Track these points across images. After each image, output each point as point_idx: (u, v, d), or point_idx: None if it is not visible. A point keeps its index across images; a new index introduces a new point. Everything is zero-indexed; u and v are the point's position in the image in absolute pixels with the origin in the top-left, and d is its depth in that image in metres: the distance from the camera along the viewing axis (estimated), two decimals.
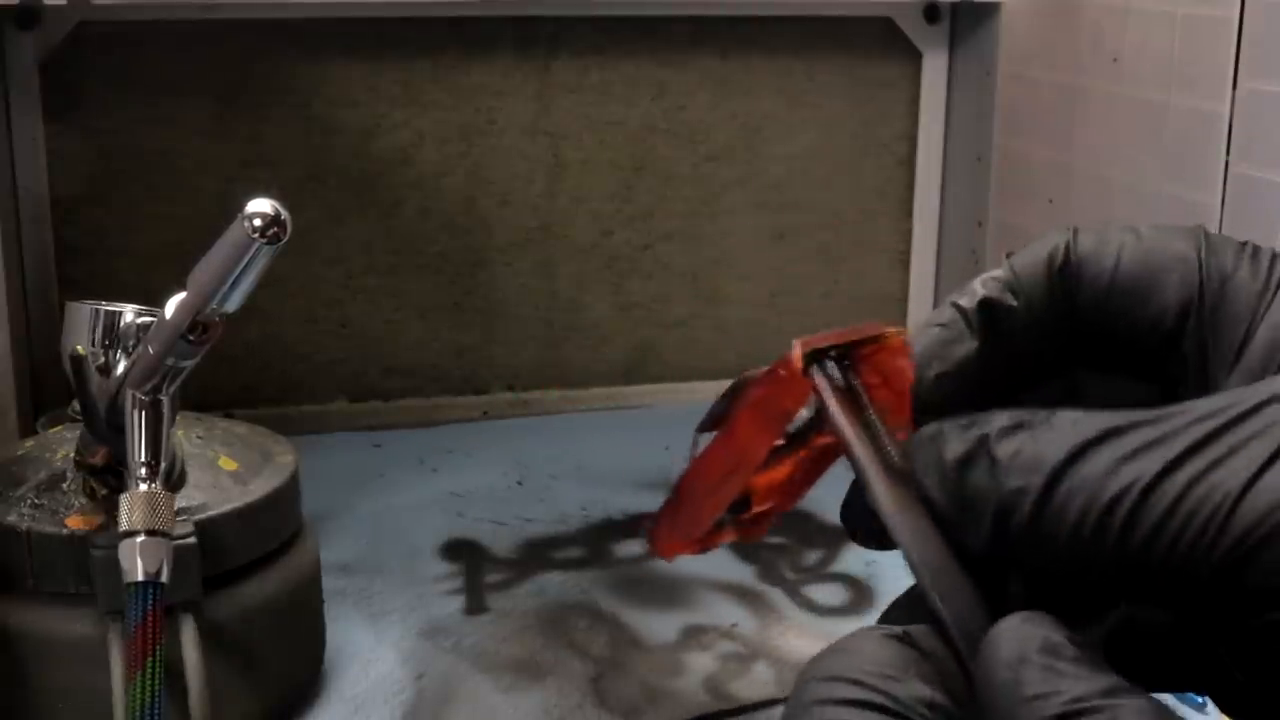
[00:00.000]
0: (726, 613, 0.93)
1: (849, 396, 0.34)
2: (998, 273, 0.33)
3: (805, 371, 0.35)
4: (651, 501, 1.10)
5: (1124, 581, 0.27)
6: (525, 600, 0.94)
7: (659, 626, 0.91)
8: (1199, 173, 0.99)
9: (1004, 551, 0.28)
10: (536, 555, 1.01)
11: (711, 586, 0.97)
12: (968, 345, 0.32)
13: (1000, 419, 0.29)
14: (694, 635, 0.90)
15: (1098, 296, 0.32)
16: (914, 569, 0.31)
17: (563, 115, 1.26)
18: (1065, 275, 0.32)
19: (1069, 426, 0.28)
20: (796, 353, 0.35)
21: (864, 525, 0.32)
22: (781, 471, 0.35)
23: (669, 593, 0.96)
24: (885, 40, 1.31)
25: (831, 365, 0.35)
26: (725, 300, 1.35)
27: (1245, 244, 0.32)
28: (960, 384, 0.32)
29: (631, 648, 0.89)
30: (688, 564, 1.00)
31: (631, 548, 1.03)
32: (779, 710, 0.82)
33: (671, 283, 1.33)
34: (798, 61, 1.30)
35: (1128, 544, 0.26)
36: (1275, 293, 0.30)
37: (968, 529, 0.28)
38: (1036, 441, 0.28)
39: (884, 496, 0.32)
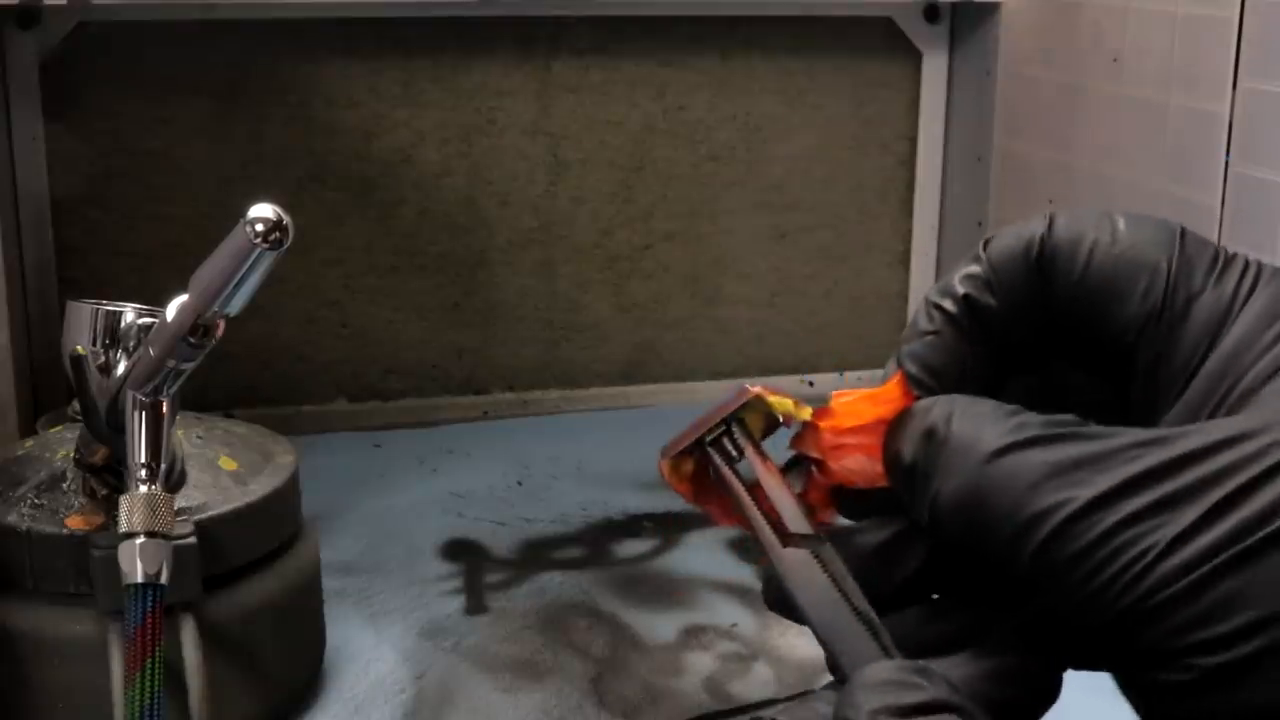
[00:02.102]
0: (726, 613, 0.93)
1: (754, 465, 0.37)
2: (975, 269, 0.33)
3: (675, 470, 0.37)
4: (651, 501, 1.10)
5: (1030, 588, 0.28)
6: (525, 600, 0.94)
7: (659, 626, 0.91)
8: (1199, 173, 0.99)
9: (935, 533, 0.30)
10: (536, 555, 1.01)
11: (711, 586, 0.97)
12: (958, 348, 0.33)
13: (968, 405, 0.30)
14: (694, 635, 0.90)
15: (1069, 292, 0.32)
16: (810, 624, 0.33)
17: (563, 115, 1.26)
18: (1041, 267, 0.32)
19: (1015, 420, 0.28)
20: (662, 463, 0.38)
21: (773, 594, 0.34)
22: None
23: (669, 593, 0.96)
24: (885, 40, 1.31)
25: (726, 441, 0.37)
26: (725, 300, 1.35)
27: (1218, 254, 0.31)
28: (941, 382, 0.33)
29: (631, 648, 0.89)
30: (688, 564, 1.00)
31: (632, 547, 1.03)
32: (779, 710, 0.82)
33: (671, 283, 1.33)
34: (798, 61, 1.30)
35: (1043, 560, 0.27)
36: (1231, 323, 0.30)
37: (921, 499, 0.30)
38: (981, 429, 0.29)
39: (779, 558, 0.34)
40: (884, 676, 0.29)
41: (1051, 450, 0.28)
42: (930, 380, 0.32)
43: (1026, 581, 0.28)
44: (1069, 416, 0.29)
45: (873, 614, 0.33)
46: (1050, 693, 0.31)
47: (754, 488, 0.36)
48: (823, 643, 0.33)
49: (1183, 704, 0.26)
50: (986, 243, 0.33)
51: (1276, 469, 0.26)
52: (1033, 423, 0.29)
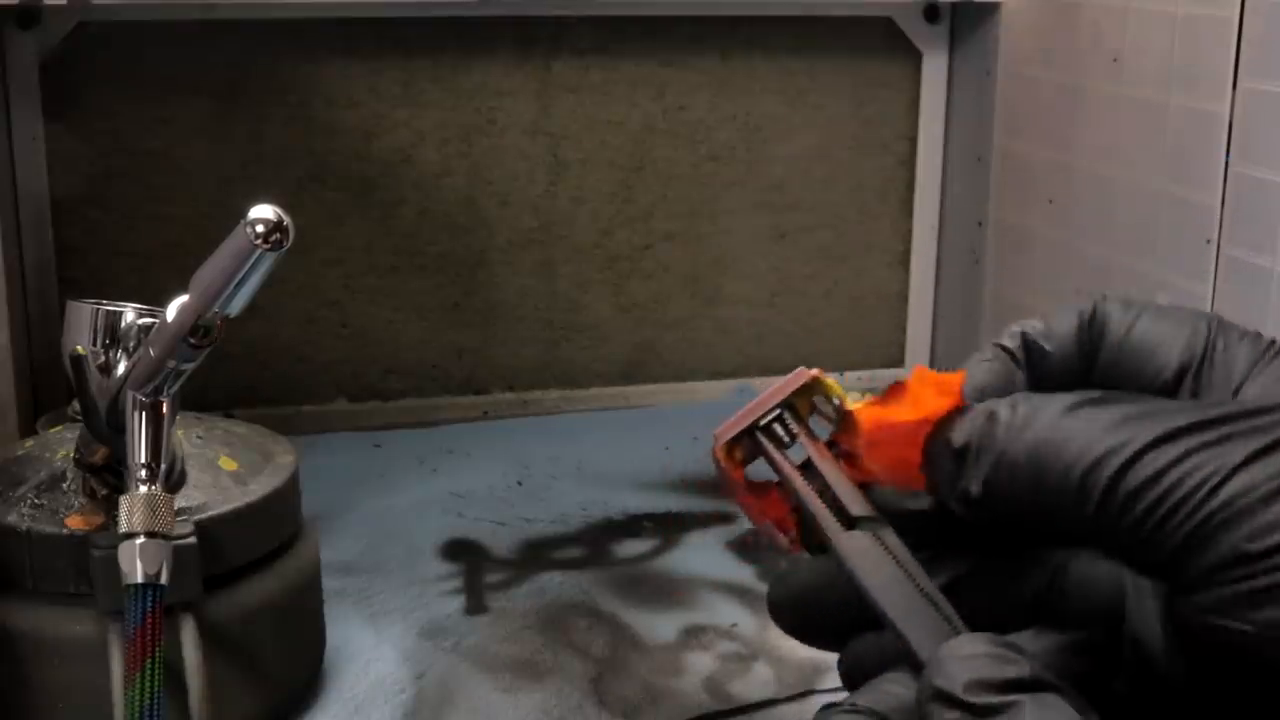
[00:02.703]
0: (726, 613, 0.93)
1: (809, 450, 0.36)
2: (1035, 322, 0.35)
3: (730, 455, 0.37)
4: (651, 501, 1.10)
5: (1089, 538, 0.30)
6: (525, 600, 0.94)
7: (659, 626, 0.91)
8: (1199, 173, 0.99)
9: (991, 500, 0.31)
10: (536, 555, 1.01)
11: (711, 586, 0.97)
12: (1014, 376, 0.34)
13: (1019, 395, 0.32)
14: (694, 635, 0.90)
15: (1114, 350, 0.34)
16: (875, 604, 0.33)
17: (563, 115, 1.26)
18: (1092, 330, 0.34)
19: (1072, 396, 0.30)
20: (716, 448, 0.37)
21: (782, 601, 0.35)
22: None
23: (669, 593, 0.96)
24: (885, 40, 1.31)
25: (777, 426, 0.37)
26: (725, 300, 1.35)
27: (1250, 332, 0.34)
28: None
29: (631, 648, 0.89)
30: (688, 564, 1.00)
31: (632, 547, 1.03)
32: (779, 710, 0.82)
33: (671, 283, 1.33)
34: (798, 61, 1.30)
35: (1108, 501, 0.28)
36: (1267, 363, 0.32)
37: (978, 470, 0.31)
38: (1047, 399, 0.31)
39: (841, 542, 0.34)
40: (978, 650, 0.29)
41: (1115, 408, 0.30)
42: (981, 398, 0.34)
43: (1094, 521, 0.29)
44: (1122, 392, 0.31)
45: (939, 594, 0.32)
46: (1118, 662, 0.32)
47: (806, 472, 0.36)
48: (891, 625, 0.32)
49: (1236, 620, 0.27)
50: (1042, 316, 0.36)
51: None
52: (1092, 393, 0.30)
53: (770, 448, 0.36)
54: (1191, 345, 0.33)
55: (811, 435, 0.37)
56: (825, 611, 0.36)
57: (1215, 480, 0.27)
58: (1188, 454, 0.28)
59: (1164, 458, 0.28)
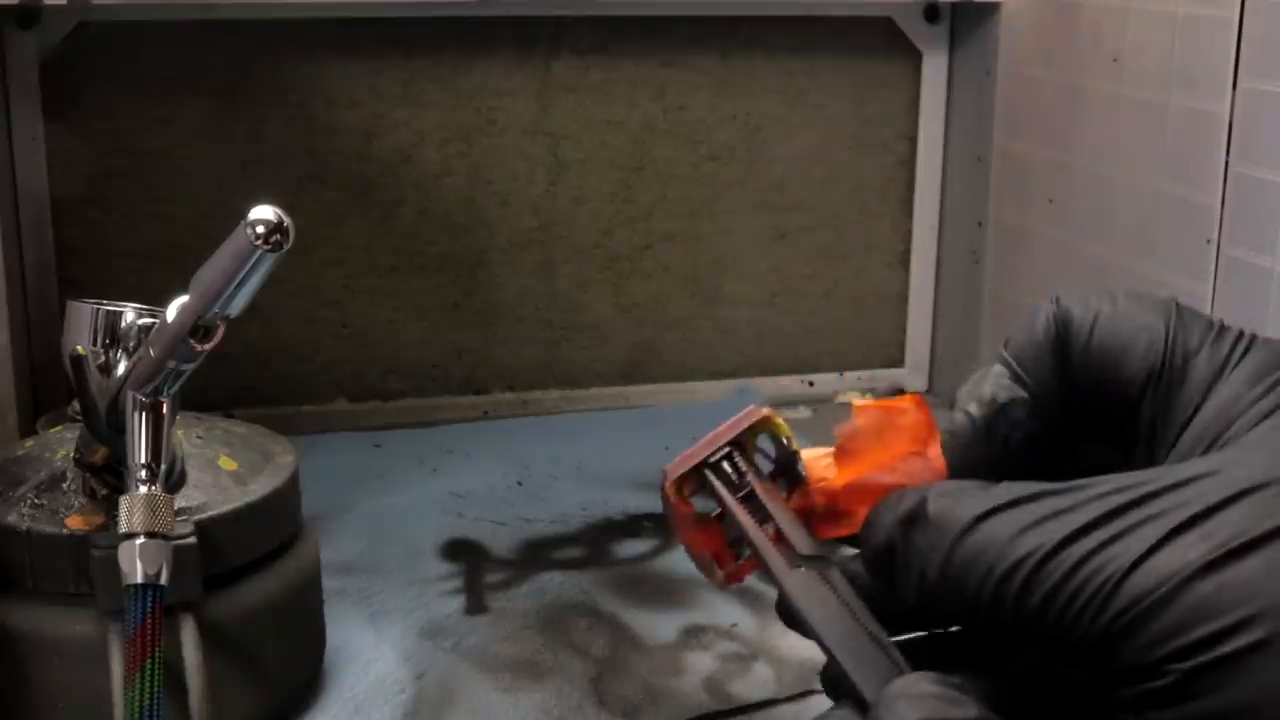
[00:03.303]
0: (726, 613, 0.93)
1: (756, 489, 0.37)
2: (1000, 372, 0.35)
3: (679, 493, 0.38)
4: (651, 502, 1.10)
5: (1019, 638, 0.30)
6: (525, 600, 0.94)
7: (659, 626, 0.91)
8: (1199, 173, 0.99)
9: (927, 604, 0.31)
10: (536, 555, 1.01)
11: (711, 586, 0.97)
12: (984, 451, 0.35)
13: (945, 487, 0.31)
14: (694, 635, 0.90)
15: (1081, 359, 0.34)
16: (822, 645, 0.33)
17: (563, 115, 1.26)
18: (1056, 337, 0.34)
19: (991, 491, 0.30)
20: (666, 484, 0.38)
21: (786, 610, 0.35)
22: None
23: (669, 593, 0.96)
24: (885, 40, 1.31)
25: (726, 464, 0.38)
26: (725, 300, 1.35)
27: (1212, 323, 0.34)
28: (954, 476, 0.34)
29: (631, 648, 0.89)
30: (688, 564, 1.00)
31: (631, 547, 1.03)
32: (779, 710, 0.82)
33: (671, 283, 1.33)
34: (798, 61, 1.30)
35: (1024, 605, 0.28)
36: (1224, 378, 0.32)
37: (906, 580, 0.31)
38: (959, 504, 0.30)
39: (789, 584, 0.35)
40: (926, 690, 0.29)
41: (1024, 510, 0.29)
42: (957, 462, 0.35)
43: (1014, 630, 0.29)
44: (1042, 483, 0.30)
45: (883, 632, 0.32)
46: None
47: (753, 507, 0.37)
48: (835, 661, 0.32)
49: (1166, 713, 0.27)
50: (1006, 343, 0.35)
51: (1241, 495, 0.27)
52: (1004, 491, 0.30)
53: (718, 485, 0.38)
54: (1151, 351, 0.33)
55: (759, 474, 0.37)
56: None
57: (1116, 577, 0.27)
58: (1094, 551, 0.28)
59: (1071, 559, 0.28)
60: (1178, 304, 0.34)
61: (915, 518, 0.31)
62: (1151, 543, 0.28)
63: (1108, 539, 0.28)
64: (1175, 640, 0.27)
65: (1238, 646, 0.26)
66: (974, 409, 0.34)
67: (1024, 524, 0.29)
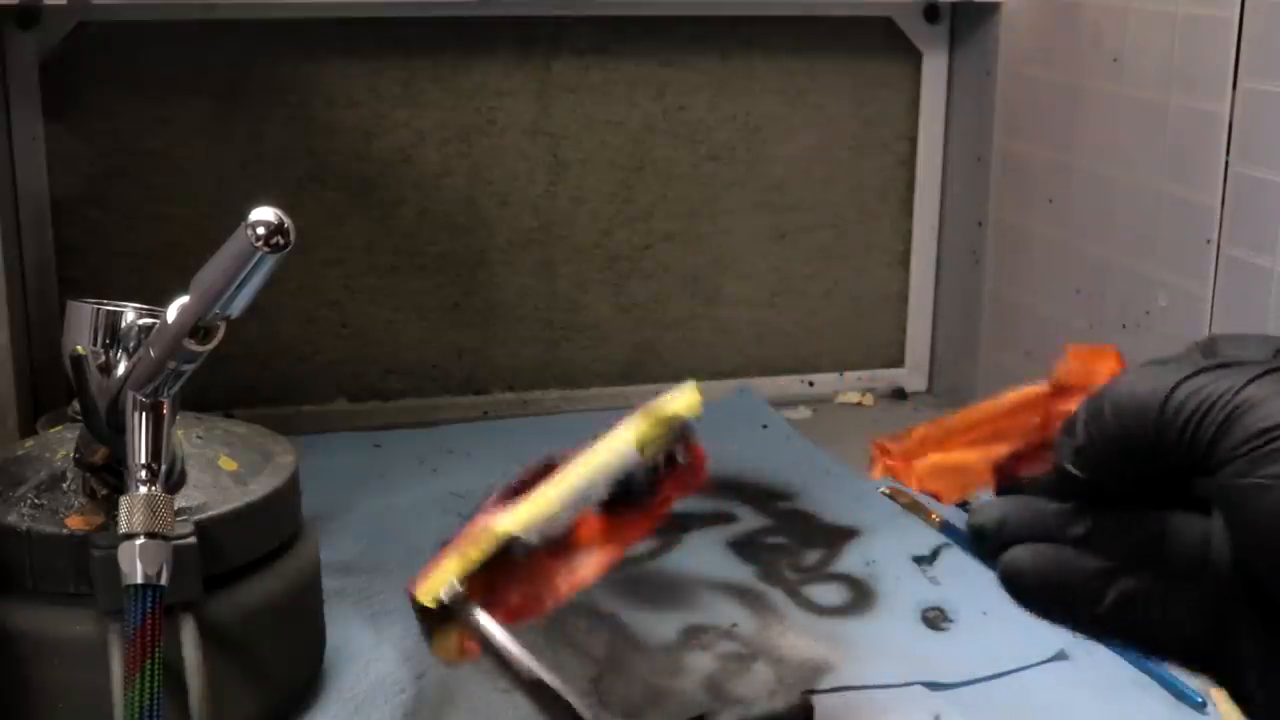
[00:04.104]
0: (726, 613, 0.93)
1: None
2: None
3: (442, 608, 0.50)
4: None
5: (1160, 457, 0.38)
6: None
7: (659, 626, 0.91)
8: (1199, 173, 0.99)
9: (1094, 444, 0.39)
10: None
11: (711, 586, 0.97)
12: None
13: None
14: (694, 635, 0.90)
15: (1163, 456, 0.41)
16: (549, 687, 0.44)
17: (563, 115, 1.26)
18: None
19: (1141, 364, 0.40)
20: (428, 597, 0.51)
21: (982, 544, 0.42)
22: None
23: (669, 593, 0.96)
24: (885, 40, 1.31)
25: (472, 606, 0.50)
26: (725, 300, 1.35)
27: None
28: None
29: (631, 648, 0.89)
30: (688, 564, 1.00)
31: (631, 548, 1.03)
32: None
33: (671, 283, 1.33)
34: (798, 61, 1.30)
35: (1164, 416, 0.37)
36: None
37: (1077, 432, 0.39)
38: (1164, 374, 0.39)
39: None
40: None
41: (1169, 365, 0.38)
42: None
43: (1156, 436, 0.37)
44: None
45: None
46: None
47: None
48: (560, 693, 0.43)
49: (1258, 478, 0.36)
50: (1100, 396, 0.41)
51: None
52: (1157, 360, 0.40)
53: (478, 626, 0.49)
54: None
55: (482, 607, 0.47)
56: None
57: (1234, 389, 0.37)
58: (1214, 379, 0.37)
59: (1195, 383, 0.37)
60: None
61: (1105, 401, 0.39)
62: (1250, 376, 0.37)
63: (1221, 375, 0.37)
64: (1274, 419, 0.36)
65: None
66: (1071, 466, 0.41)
67: (1167, 370, 0.38)
